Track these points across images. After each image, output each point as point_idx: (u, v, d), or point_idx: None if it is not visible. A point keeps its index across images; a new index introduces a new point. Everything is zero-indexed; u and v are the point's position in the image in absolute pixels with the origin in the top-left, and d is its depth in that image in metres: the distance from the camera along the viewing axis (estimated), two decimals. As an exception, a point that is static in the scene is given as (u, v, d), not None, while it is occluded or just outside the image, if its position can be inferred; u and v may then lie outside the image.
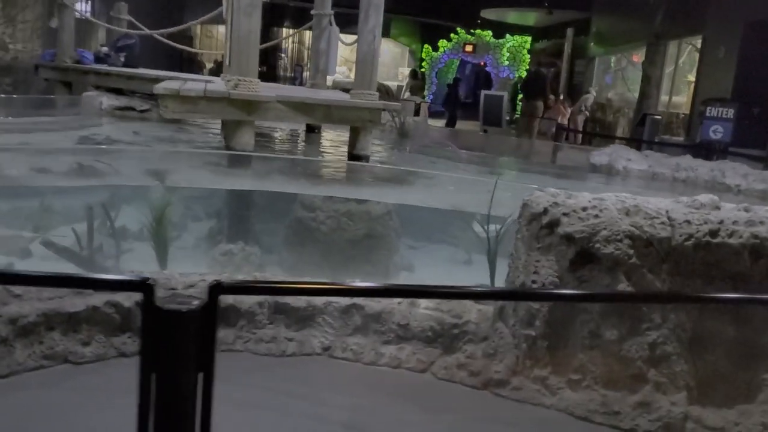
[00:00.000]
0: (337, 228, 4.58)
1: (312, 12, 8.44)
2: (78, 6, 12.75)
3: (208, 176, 4.88)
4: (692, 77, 14.38)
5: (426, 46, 27.53)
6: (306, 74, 12.67)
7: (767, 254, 2.98)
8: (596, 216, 3.21)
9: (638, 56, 17.27)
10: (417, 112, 13.52)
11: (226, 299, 3.61)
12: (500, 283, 3.69)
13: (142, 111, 7.67)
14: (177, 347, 1.34)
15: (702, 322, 3.10)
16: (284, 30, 24.72)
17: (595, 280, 3.24)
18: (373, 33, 6.00)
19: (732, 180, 6.20)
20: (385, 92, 11.45)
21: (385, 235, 4.68)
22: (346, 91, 7.12)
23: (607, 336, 3.21)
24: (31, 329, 3.29)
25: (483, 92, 15.04)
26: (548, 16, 23.17)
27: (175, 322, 1.27)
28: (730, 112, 9.99)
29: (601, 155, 6.80)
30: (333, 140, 8.02)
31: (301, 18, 11.02)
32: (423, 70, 26.62)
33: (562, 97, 17.84)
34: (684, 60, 15.38)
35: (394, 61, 27.85)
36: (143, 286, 1.31)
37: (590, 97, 17.58)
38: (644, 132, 11.53)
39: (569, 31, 22.05)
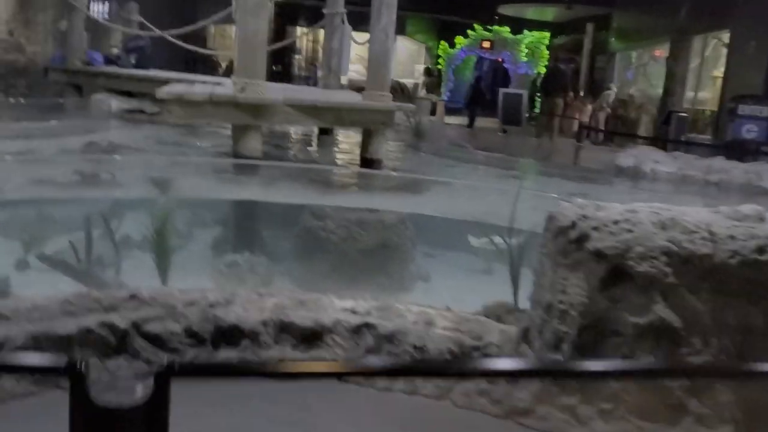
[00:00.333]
0: (348, 237, 4.35)
1: (324, 11, 8.22)
2: (94, 7, 12.64)
3: (214, 184, 4.66)
4: (718, 73, 13.96)
5: (442, 42, 27.27)
6: (320, 73, 12.46)
7: (822, 272, 2.70)
8: (629, 230, 2.94)
9: (661, 51, 16.87)
10: (433, 111, 13.24)
11: (228, 315, 3.40)
12: (524, 300, 3.43)
13: (151, 114, 7.48)
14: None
15: (750, 345, 2.83)
16: (298, 29, 24.51)
17: (628, 300, 2.97)
18: (385, 32, 5.73)
19: (770, 183, 5.82)
20: (399, 90, 11.21)
21: (399, 244, 4.43)
22: (361, 89, 6.88)
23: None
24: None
25: (502, 91, 14.66)
26: (567, 11, 22.79)
27: (114, 420, 0.96)
28: (765, 110, 9.52)
29: (627, 157, 6.48)
30: (346, 142, 7.79)
31: (315, 16, 10.84)
32: (439, 67, 26.34)
33: (582, 94, 17.48)
34: (709, 55, 14.95)
35: (410, 58, 27.61)
36: (71, 371, 0.99)
37: (611, 94, 17.22)
38: (670, 130, 11.11)
39: (589, 27, 21.65)
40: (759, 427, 2.78)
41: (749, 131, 9.39)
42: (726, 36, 13.37)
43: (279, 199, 4.72)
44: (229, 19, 8.94)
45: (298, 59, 26.27)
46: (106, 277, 4.18)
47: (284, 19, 24.14)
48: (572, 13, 22.90)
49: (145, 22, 9.66)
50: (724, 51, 13.45)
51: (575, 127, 13.46)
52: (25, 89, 12.80)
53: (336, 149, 7.74)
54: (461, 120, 19.15)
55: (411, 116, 8.66)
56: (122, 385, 0.98)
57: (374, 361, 3.32)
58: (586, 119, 15.81)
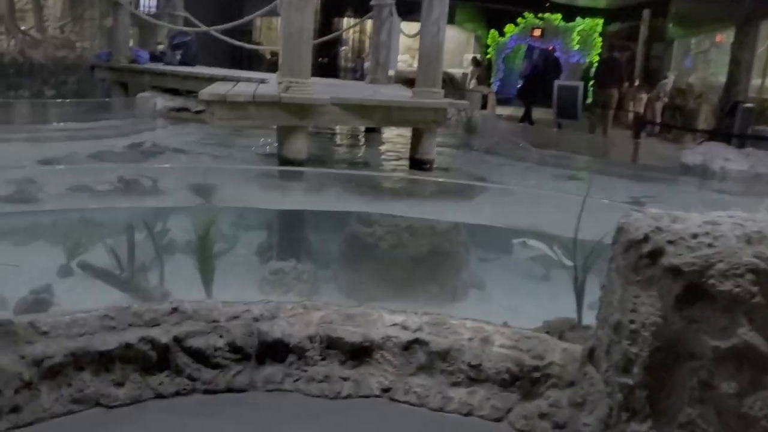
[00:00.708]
0: (397, 244, 4.14)
1: (372, 2, 8.00)
2: (143, 2, 12.67)
3: (258, 191, 4.50)
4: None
5: (492, 31, 26.81)
6: (367, 65, 12.25)
7: None
8: (710, 245, 2.66)
9: (722, 36, 16.15)
10: (484, 105, 12.88)
11: (273, 329, 3.25)
12: (588, 317, 3.17)
13: (197, 112, 7.40)
14: None
15: None
16: (345, 20, 24.33)
17: (707, 320, 2.70)
18: (437, 25, 5.47)
19: None
20: (448, 81, 10.91)
21: (452, 251, 4.20)
22: (410, 81, 6.65)
23: (723, 388, 2.67)
24: (59, 370, 2.98)
25: (556, 83, 14.11)
26: (622, -3, 22.09)
27: None
28: (841, 102, 8.90)
29: (694, 154, 6.08)
30: (395, 141, 7.57)
31: (363, 7, 10.65)
32: (489, 56, 25.91)
33: (638, 84, 16.89)
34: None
35: (459, 47, 27.22)
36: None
37: (668, 83, 16.59)
38: (735, 123, 10.49)
39: (646, 13, 20.91)
40: None
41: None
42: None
43: (324, 207, 4.54)
44: (275, 12, 8.80)
45: (345, 51, 26.12)
46: (149, 286, 4.08)
47: (331, 10, 24.00)
48: (627, -1, 22.20)
49: (190, 17, 9.57)
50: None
51: (631, 119, 12.92)
52: (75, 86, 12.96)
53: (384, 149, 7.53)
54: (512, 111, 18.70)
55: (462, 110, 8.38)
56: None
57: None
58: (641, 110, 15.24)
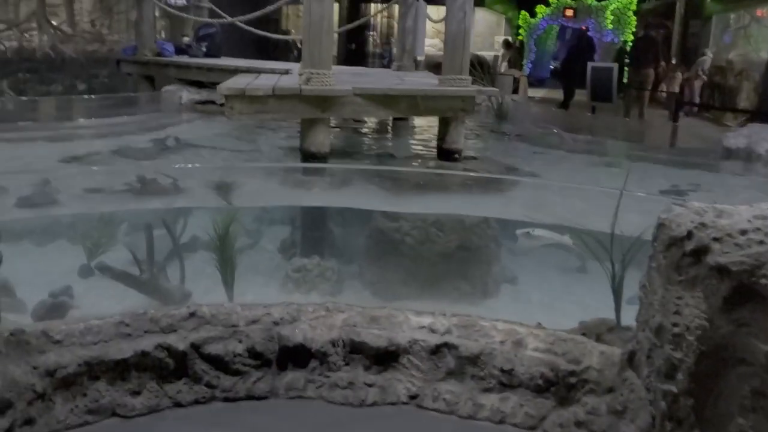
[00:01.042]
0: (425, 240, 3.98)
1: (398, -13, 7.79)
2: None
3: (279, 188, 4.37)
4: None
5: (523, 12, 26.31)
6: (394, 50, 12.03)
7: None
8: (760, 242, 2.45)
9: (763, 11, 15.55)
10: (516, 89, 12.57)
11: (294, 334, 3.13)
12: (628, 315, 2.98)
13: (222, 104, 7.30)
14: None
15: None
16: (372, 5, 24.02)
17: (758, 324, 2.49)
18: (463, 9, 5.24)
19: None
20: (478, 65, 10.59)
21: (482, 246, 4.02)
22: (440, 66, 6.45)
23: (778, 396, 2.47)
24: (73, 380, 2.89)
25: (590, 65, 13.66)
26: (657, -27, 21.44)
27: None
28: None
29: (737, 137, 5.77)
30: (423, 128, 7.37)
31: (390, -9, 10.50)
32: (520, 37, 25.44)
33: (674, 63, 16.37)
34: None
35: (489, 29, 26.78)
36: None
37: (707, 60, 16.06)
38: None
39: (683, -12, 20.27)
40: None
41: None
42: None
43: (347, 204, 4.39)
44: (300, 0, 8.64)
45: (373, 36, 25.85)
46: (170, 285, 3.99)
47: (359, -5, 23.74)
48: (662, -25, 21.56)
49: (215, 8, 9.46)
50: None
51: (668, 100, 12.49)
52: (106, 79, 12.98)
53: (412, 138, 7.33)
54: (545, 93, 18.26)
55: (493, 96, 8.15)
56: None
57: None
58: (677, 88, 14.76)
